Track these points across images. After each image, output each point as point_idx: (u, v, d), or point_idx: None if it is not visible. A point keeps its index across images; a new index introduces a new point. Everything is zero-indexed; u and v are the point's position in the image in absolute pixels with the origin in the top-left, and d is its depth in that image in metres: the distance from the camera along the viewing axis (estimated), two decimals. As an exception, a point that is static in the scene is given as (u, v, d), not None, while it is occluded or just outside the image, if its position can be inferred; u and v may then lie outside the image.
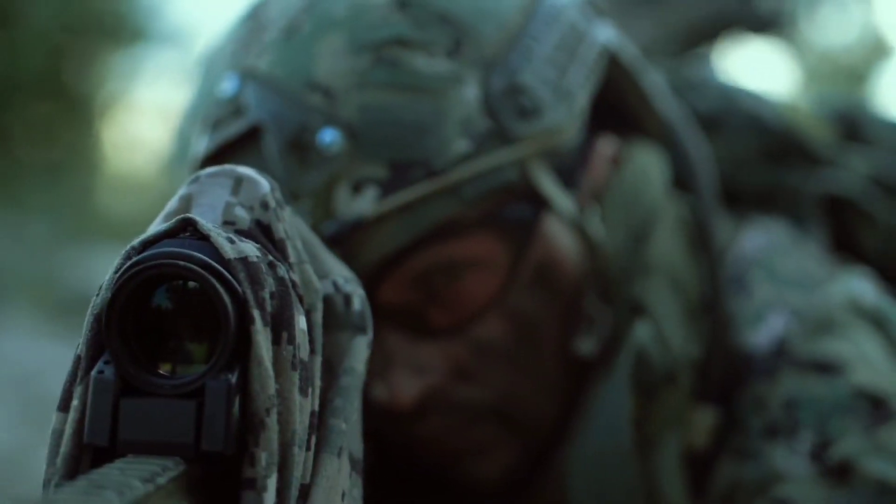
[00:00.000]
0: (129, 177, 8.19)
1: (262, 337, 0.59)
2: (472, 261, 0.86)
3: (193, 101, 0.91)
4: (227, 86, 0.87)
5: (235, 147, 0.85)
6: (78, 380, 0.60)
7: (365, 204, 0.83)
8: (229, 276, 0.59)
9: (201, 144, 0.86)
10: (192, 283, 0.60)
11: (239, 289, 0.59)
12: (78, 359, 0.61)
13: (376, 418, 0.86)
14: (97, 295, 0.61)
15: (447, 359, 0.88)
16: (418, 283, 0.86)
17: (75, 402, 0.59)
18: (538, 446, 0.91)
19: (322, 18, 0.87)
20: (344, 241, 0.82)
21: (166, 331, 0.60)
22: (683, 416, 0.91)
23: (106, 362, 0.59)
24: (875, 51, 10.57)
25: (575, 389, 0.91)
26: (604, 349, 0.91)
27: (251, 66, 0.87)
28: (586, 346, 0.90)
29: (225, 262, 0.60)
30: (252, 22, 0.90)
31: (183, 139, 0.90)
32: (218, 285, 0.59)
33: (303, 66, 0.85)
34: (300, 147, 0.83)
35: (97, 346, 0.60)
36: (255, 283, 0.60)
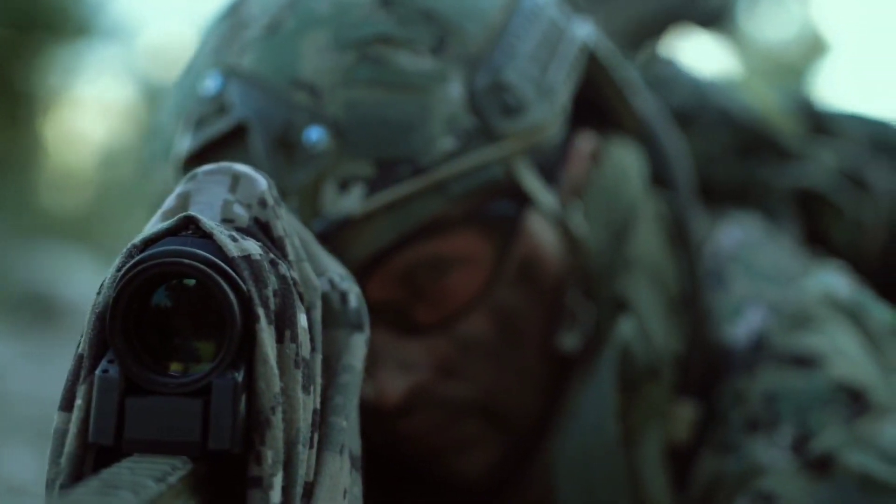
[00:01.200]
0: (72, 173, 8.12)
1: (266, 335, 0.59)
2: (457, 258, 0.87)
3: (174, 98, 0.91)
4: (210, 83, 0.86)
5: (220, 145, 0.84)
6: (81, 379, 0.59)
7: (352, 202, 0.83)
8: (234, 275, 0.59)
9: (185, 143, 0.86)
10: (189, 281, 0.60)
11: (244, 287, 0.59)
12: (80, 358, 0.60)
13: (361, 416, 0.86)
14: (98, 293, 0.61)
15: (432, 356, 0.88)
16: (404, 280, 0.86)
17: (79, 402, 0.59)
18: (522, 442, 0.92)
19: (305, 15, 0.86)
20: (331, 239, 0.82)
21: (167, 329, 0.60)
22: (664, 410, 0.92)
23: (110, 361, 0.59)
24: (813, 48, 10.69)
25: (557, 385, 0.92)
26: (586, 345, 0.91)
27: (234, 63, 0.87)
28: (569, 341, 0.91)
29: (229, 261, 0.59)
30: (232, 18, 0.90)
31: (164, 137, 0.90)
32: (223, 283, 0.59)
33: (287, 63, 0.85)
34: (286, 145, 0.83)
35: (100, 345, 0.60)
36: (259, 281, 0.60)
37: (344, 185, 0.83)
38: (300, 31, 0.86)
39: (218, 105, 0.85)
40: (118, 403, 0.58)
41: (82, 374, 0.60)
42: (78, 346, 0.61)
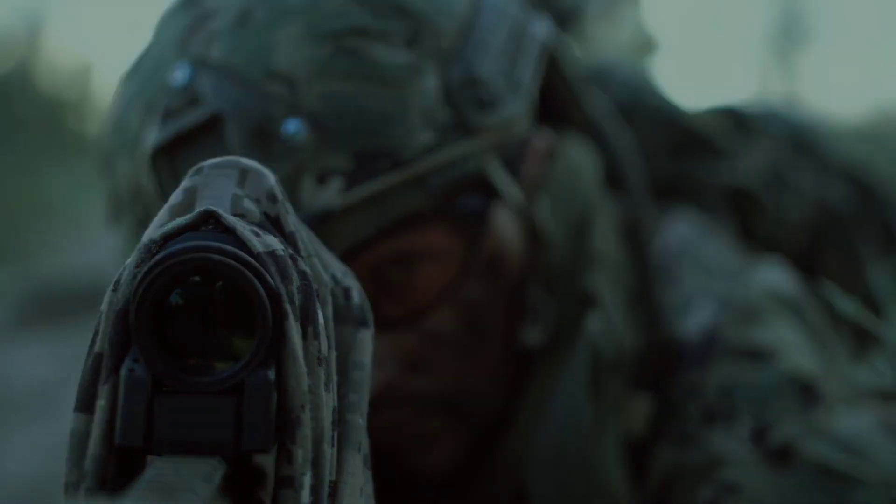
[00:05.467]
0: None
1: (295, 332, 0.58)
2: (427, 252, 0.86)
3: (130, 90, 0.88)
4: (178, 74, 0.84)
5: (192, 137, 0.82)
6: (102, 379, 0.58)
7: (330, 195, 0.82)
8: (263, 271, 0.58)
9: (151, 135, 0.84)
10: (195, 278, 0.59)
11: (272, 283, 0.58)
12: (98, 357, 0.58)
13: None
14: (114, 290, 0.59)
15: (398, 351, 0.88)
16: (372, 274, 0.85)
17: (102, 402, 0.57)
18: (483, 436, 0.92)
19: (276, 6, 0.85)
20: None
21: (192, 326, 0.58)
22: (621, 403, 0.93)
23: (134, 360, 0.57)
24: (643, 46, 10.91)
25: (519, 379, 0.92)
26: (550, 340, 0.92)
27: (202, 54, 0.85)
28: (533, 336, 0.91)
29: (255, 256, 0.58)
30: (193, 9, 0.88)
31: (122, 130, 0.87)
32: (255, 280, 0.57)
33: (261, 54, 0.83)
34: (263, 137, 0.82)
35: (122, 344, 0.58)
36: (285, 277, 0.59)
37: (322, 179, 0.82)
38: (272, 22, 0.84)
39: (188, 96, 0.83)
40: (147, 403, 0.57)
41: (103, 373, 0.58)
42: (92, 345, 0.59)
